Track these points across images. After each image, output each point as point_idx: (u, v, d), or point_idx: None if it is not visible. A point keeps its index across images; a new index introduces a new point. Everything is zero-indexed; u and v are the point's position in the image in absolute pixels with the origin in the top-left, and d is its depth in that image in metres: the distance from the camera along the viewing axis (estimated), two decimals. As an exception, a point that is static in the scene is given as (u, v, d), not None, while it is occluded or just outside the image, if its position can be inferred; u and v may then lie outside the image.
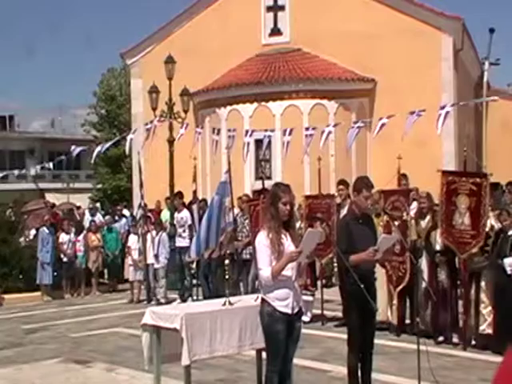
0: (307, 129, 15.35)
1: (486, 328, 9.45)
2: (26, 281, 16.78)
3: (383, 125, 13.37)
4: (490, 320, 9.44)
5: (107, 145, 17.13)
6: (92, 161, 18.72)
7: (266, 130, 15.96)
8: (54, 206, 22.68)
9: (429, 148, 20.35)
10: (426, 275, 9.98)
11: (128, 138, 17.62)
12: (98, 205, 25.96)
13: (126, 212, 20.73)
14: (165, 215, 17.22)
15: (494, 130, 23.63)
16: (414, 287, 10.22)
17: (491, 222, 9.76)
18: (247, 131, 15.81)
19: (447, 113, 12.22)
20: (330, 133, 14.67)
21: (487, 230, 9.59)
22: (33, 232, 18.41)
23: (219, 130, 16.82)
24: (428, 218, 10.40)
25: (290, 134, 15.09)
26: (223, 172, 20.28)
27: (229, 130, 15.87)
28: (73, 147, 17.54)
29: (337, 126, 15.20)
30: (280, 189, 6.05)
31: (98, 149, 16.81)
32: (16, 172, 19.90)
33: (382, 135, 21.07)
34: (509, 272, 9.16)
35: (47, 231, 16.71)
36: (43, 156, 49.01)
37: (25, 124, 56.40)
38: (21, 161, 47.84)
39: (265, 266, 5.85)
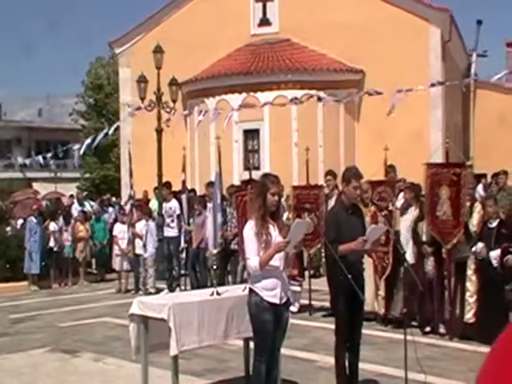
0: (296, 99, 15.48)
1: (471, 317, 9.52)
2: (13, 270, 16.71)
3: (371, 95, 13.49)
4: (475, 309, 9.50)
5: (99, 137, 16.92)
6: (81, 152, 18.53)
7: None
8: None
9: (418, 139, 20.43)
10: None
11: (114, 125, 17.57)
12: (84, 194, 25.84)
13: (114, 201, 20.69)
14: (153, 205, 17.20)
15: (482, 121, 23.71)
16: (400, 278, 10.29)
17: (477, 211, 9.83)
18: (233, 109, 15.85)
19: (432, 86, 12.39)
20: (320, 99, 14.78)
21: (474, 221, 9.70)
22: (20, 221, 18.33)
23: (206, 112, 16.80)
24: (413, 208, 10.44)
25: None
26: (212, 161, 20.41)
27: (215, 109, 15.85)
28: (66, 148, 17.40)
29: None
30: (269, 179, 6.07)
31: (88, 141, 16.63)
32: (6, 162, 19.71)
33: (370, 126, 21.26)
34: (495, 265, 9.24)
35: (35, 221, 16.63)
36: (30, 145, 48.80)
37: (12, 113, 56.17)
38: (8, 150, 47.64)
39: (252, 256, 5.87)
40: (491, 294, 9.24)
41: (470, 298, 9.52)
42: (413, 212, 10.41)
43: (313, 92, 21.56)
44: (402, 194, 11.09)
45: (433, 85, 12.85)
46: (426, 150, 20.13)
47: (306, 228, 6.21)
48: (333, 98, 18.10)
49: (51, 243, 16.77)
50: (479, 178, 14.98)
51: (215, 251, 13.10)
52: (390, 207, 10.49)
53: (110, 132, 16.44)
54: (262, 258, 5.82)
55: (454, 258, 9.67)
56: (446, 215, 9.64)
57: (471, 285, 9.53)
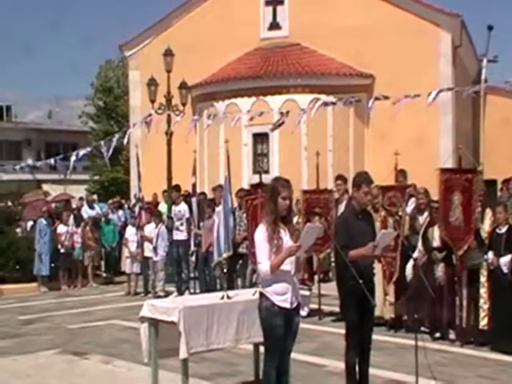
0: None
1: (486, 323, 9.49)
2: (23, 272, 16.78)
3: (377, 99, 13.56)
4: (490, 315, 9.47)
5: (113, 142, 17.00)
6: (108, 165, 18.87)
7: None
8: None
9: (427, 144, 20.40)
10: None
11: (128, 131, 17.62)
12: (94, 196, 25.89)
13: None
14: (162, 208, 17.21)
15: (493, 127, 23.64)
16: (411, 283, 10.29)
17: (488, 217, 9.81)
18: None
19: (440, 92, 12.45)
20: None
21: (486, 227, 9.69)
22: (30, 223, 18.40)
23: (215, 116, 16.86)
24: (426, 214, 10.43)
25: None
26: (221, 165, 20.39)
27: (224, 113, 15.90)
28: (77, 152, 17.55)
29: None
30: (280, 183, 6.05)
31: (104, 149, 16.80)
32: (17, 167, 19.81)
33: (379, 131, 21.21)
34: (505, 271, 9.22)
35: (45, 222, 16.69)
36: (40, 147, 48.88)
37: (22, 115, 56.20)
38: (17, 151, 47.75)
39: (264, 260, 5.85)
40: (504, 301, 9.21)
41: (485, 305, 9.49)
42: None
43: (322, 96, 21.59)
44: (412, 200, 11.07)
45: (439, 91, 12.95)
46: (436, 155, 20.10)
47: (318, 232, 6.20)
48: (341, 101, 18.13)
49: (59, 246, 16.82)
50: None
51: (225, 255, 13.15)
52: (400, 212, 10.47)
53: (125, 141, 16.53)
54: (273, 263, 5.81)
55: (467, 265, 9.66)
56: (458, 221, 9.63)
57: (485, 291, 9.50)
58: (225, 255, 13.00)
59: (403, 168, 12.06)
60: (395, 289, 10.65)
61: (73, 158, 16.54)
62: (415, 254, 9.91)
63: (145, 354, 7.10)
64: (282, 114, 15.62)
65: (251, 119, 17.05)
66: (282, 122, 15.25)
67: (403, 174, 12.05)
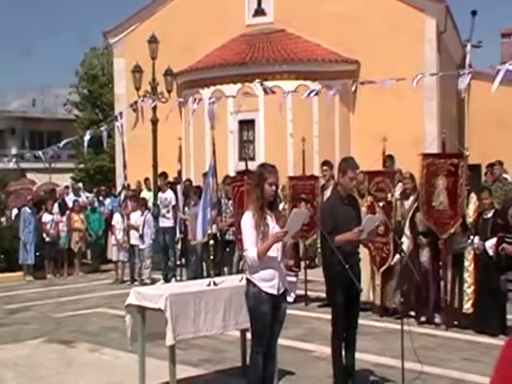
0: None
1: (469, 307, 9.57)
2: (8, 261, 16.69)
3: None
4: (473, 299, 9.54)
5: (104, 135, 16.95)
6: (85, 152, 18.77)
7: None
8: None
9: (412, 129, 20.42)
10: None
11: (117, 124, 17.53)
12: (80, 185, 25.77)
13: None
14: (145, 195, 17.15)
15: (477, 112, 23.69)
16: (396, 268, 10.33)
17: (472, 202, 9.86)
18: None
19: (423, 75, 12.53)
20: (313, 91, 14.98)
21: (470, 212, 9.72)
22: (14, 212, 18.29)
23: (200, 100, 16.82)
24: (412, 199, 10.45)
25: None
26: (207, 152, 20.37)
27: (212, 103, 15.82)
28: (62, 143, 17.51)
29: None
30: (266, 169, 6.05)
31: (88, 137, 16.79)
32: (6, 159, 19.74)
33: (365, 117, 21.23)
34: (490, 254, 9.28)
35: (29, 211, 16.59)
36: (24, 135, 48.57)
37: (5, 103, 55.85)
38: (2, 140, 47.44)
39: (251, 247, 5.85)
40: (488, 285, 9.29)
41: (468, 289, 9.57)
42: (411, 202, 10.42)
43: (308, 82, 21.57)
44: (399, 185, 11.09)
45: (423, 75, 13.04)
46: (421, 140, 20.14)
47: (304, 218, 6.20)
48: (327, 89, 18.02)
49: (45, 234, 16.75)
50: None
51: (200, 240, 13.22)
52: (389, 198, 10.49)
53: (118, 135, 16.50)
54: (260, 249, 5.81)
55: (452, 250, 9.71)
56: (442, 205, 9.68)
57: (469, 276, 9.57)
58: (200, 239, 13.11)
59: (391, 153, 12.08)
60: (382, 274, 10.68)
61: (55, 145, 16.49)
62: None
63: (129, 340, 7.12)
64: (265, 91, 15.60)
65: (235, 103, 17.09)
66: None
67: (391, 159, 12.07)
